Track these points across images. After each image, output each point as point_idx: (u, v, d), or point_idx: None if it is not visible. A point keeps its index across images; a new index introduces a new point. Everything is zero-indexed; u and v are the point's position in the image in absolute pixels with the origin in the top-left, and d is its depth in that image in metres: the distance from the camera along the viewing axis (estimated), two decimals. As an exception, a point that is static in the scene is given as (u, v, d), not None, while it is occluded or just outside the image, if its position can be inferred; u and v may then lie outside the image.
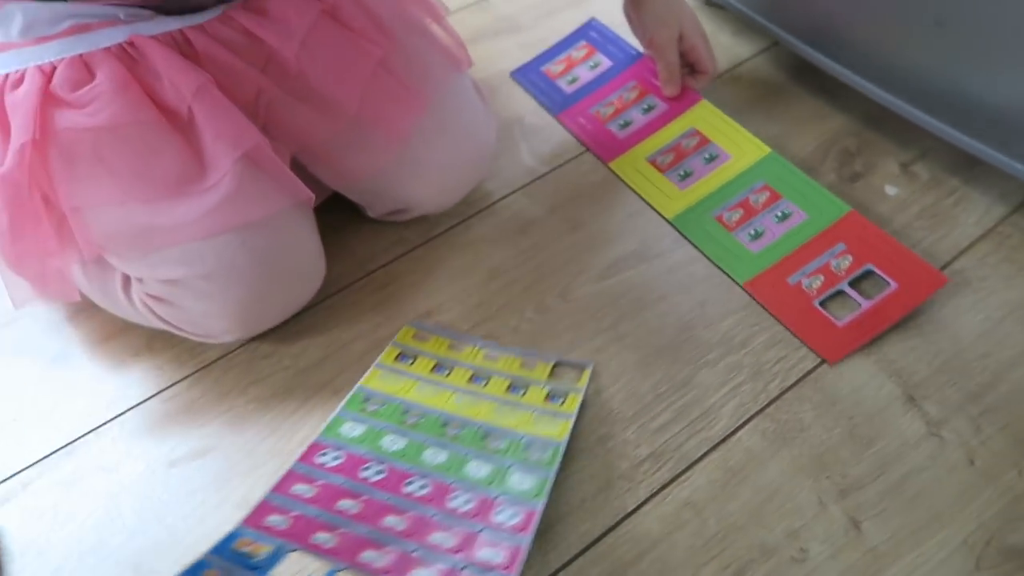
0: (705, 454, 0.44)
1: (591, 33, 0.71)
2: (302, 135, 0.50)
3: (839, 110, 0.62)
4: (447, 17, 0.57)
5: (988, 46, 0.49)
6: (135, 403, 0.49)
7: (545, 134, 0.63)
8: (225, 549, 0.40)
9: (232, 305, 0.47)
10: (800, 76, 0.65)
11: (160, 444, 0.47)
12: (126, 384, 0.50)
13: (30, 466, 0.46)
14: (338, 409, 0.47)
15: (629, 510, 0.42)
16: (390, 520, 0.41)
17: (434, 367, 0.49)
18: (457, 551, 0.39)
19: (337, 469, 0.44)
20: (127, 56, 0.44)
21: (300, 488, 0.43)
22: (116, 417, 0.48)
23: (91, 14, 0.44)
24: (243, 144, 0.45)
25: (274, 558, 0.40)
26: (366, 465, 0.44)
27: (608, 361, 0.48)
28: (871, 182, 0.57)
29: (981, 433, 0.43)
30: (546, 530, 0.41)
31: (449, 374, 0.49)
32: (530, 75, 0.70)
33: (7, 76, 0.43)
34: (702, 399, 0.46)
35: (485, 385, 0.48)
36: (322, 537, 0.41)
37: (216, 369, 0.50)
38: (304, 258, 0.50)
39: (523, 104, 0.67)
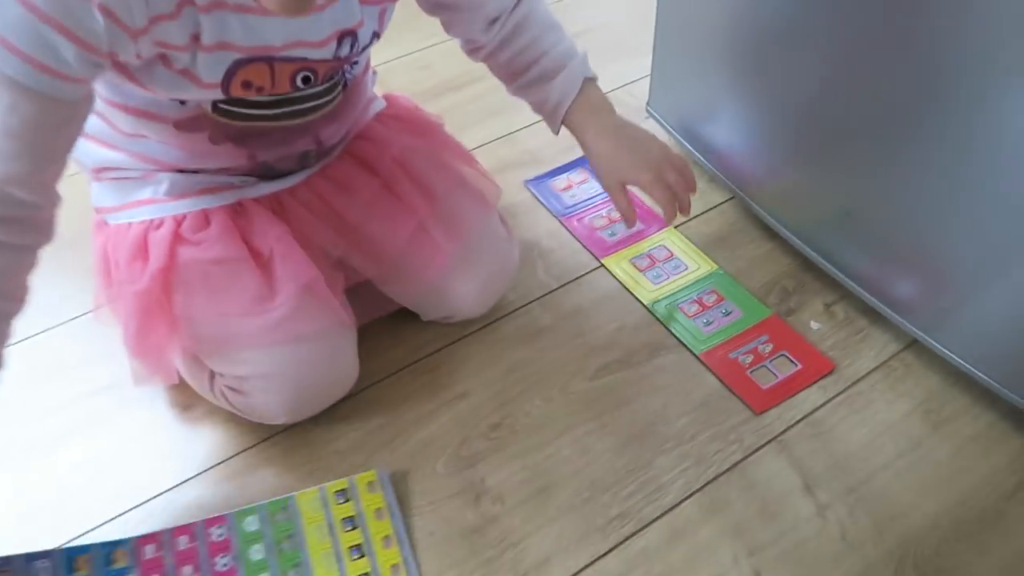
0: (658, 517, 0.61)
1: (586, 164, 0.91)
2: (359, 269, 0.68)
3: (785, 255, 0.81)
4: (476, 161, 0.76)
5: (885, 235, 0.68)
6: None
7: (557, 256, 0.82)
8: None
9: (282, 399, 0.64)
10: (758, 224, 0.83)
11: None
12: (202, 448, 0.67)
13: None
14: (259, 503, 0.60)
15: (601, 553, 0.60)
16: None
17: (345, 519, 0.60)
18: None
19: (211, 544, 0.58)
20: (234, 211, 0.63)
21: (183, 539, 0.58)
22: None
23: (215, 181, 0.63)
24: (302, 278, 0.62)
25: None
26: (224, 554, 0.57)
27: (594, 442, 0.66)
28: (801, 317, 0.75)
29: (853, 516, 0.61)
30: (541, 563, 0.59)
31: (350, 530, 0.59)
32: (540, 186, 0.89)
33: (152, 221, 0.62)
34: (659, 477, 0.64)
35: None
36: None
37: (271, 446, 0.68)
38: (341, 366, 0.67)
39: (540, 227, 0.85)
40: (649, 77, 0.91)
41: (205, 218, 0.62)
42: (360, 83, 0.68)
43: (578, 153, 0.91)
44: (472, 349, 0.73)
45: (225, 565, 0.57)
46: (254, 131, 0.61)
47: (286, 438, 0.67)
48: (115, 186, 0.64)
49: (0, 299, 0.51)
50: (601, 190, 0.87)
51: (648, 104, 0.92)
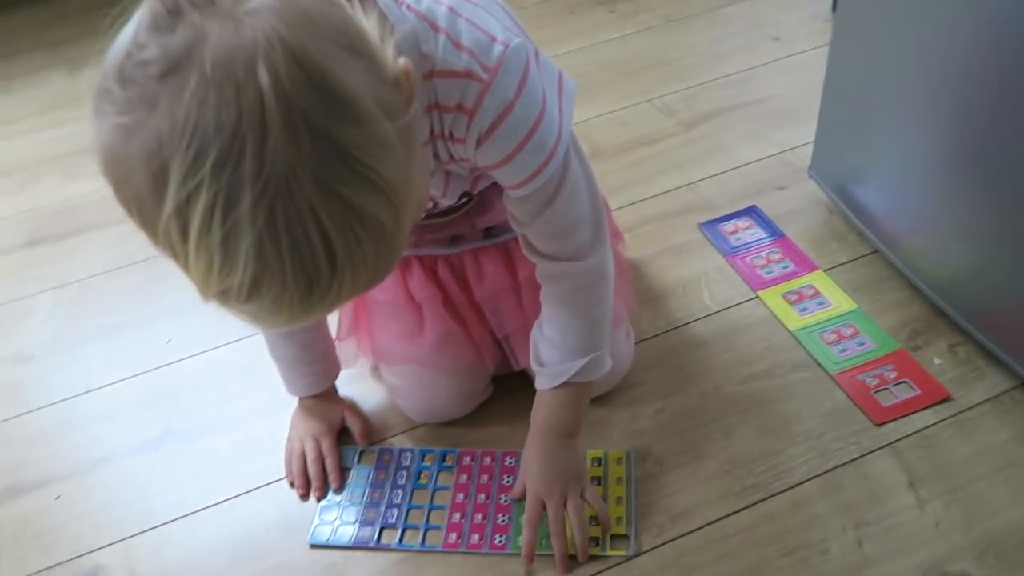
0: (783, 491, 0.79)
1: (752, 213, 1.10)
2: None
3: (918, 301, 0.95)
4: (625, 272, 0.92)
5: (1011, 288, 0.82)
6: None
7: (720, 286, 1.01)
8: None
9: (414, 408, 0.88)
10: (897, 274, 0.98)
11: (485, 428, 0.88)
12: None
13: (418, 426, 0.88)
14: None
15: (734, 510, 0.78)
16: None
17: (593, 477, 0.80)
18: None
19: (504, 467, 0.83)
20: (405, 263, 0.84)
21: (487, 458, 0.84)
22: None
23: None
24: (440, 329, 0.83)
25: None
26: (509, 475, 0.82)
27: (737, 430, 0.84)
28: (926, 353, 0.90)
29: (948, 511, 0.75)
30: (687, 511, 0.78)
31: (596, 486, 0.80)
32: (711, 228, 1.08)
33: None
34: (787, 462, 0.81)
35: None
36: None
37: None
38: (465, 396, 0.86)
39: (708, 262, 1.04)
40: (813, 144, 1.08)
41: None
42: (495, 190, 0.78)
43: (746, 203, 1.11)
44: (645, 352, 0.93)
45: (507, 480, 0.82)
46: (414, 228, 0.78)
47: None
48: None
49: (306, 331, 0.82)
50: (763, 236, 1.06)
51: (810, 167, 1.09)
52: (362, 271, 0.44)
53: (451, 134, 0.60)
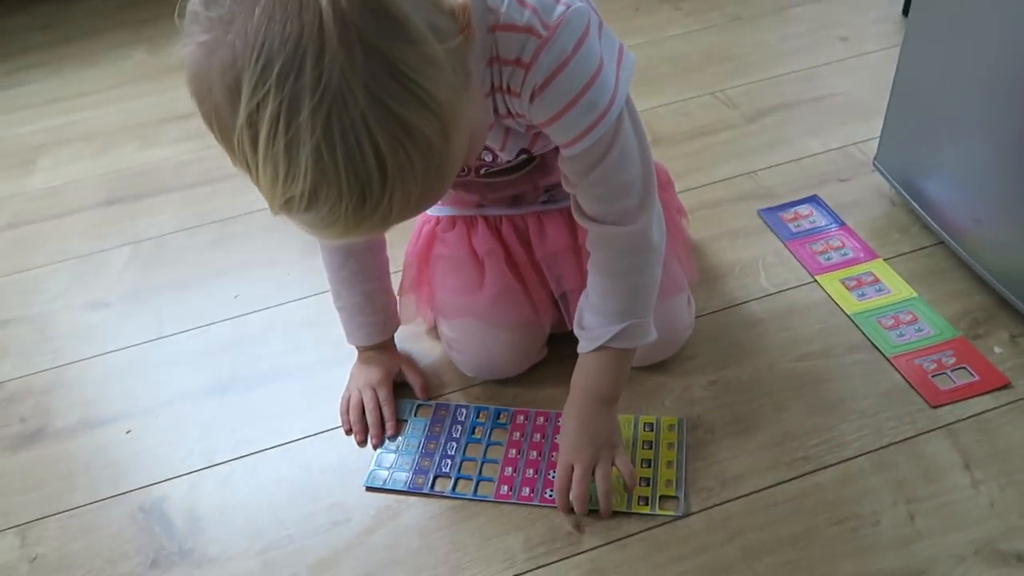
0: (835, 463, 0.79)
1: (814, 202, 1.10)
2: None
3: (981, 292, 0.94)
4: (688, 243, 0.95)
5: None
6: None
7: (778, 269, 1.01)
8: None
9: (468, 362, 0.89)
10: (960, 265, 0.98)
11: (539, 390, 0.90)
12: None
13: (474, 384, 0.91)
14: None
15: (784, 479, 0.78)
16: None
17: (645, 441, 0.83)
18: None
19: (557, 426, 0.84)
20: (468, 222, 0.88)
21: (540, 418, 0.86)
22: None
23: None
24: (499, 284, 0.85)
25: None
26: None
27: (790, 405, 0.85)
28: (986, 342, 0.89)
29: (1004, 492, 0.75)
30: (737, 478, 0.78)
31: (647, 449, 0.82)
32: (771, 215, 1.09)
33: (429, 217, 0.91)
34: (840, 437, 0.81)
35: None
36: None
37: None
38: (519, 351, 0.87)
39: (767, 247, 1.05)
40: (878, 138, 1.08)
41: (452, 223, 0.89)
42: (555, 154, 0.75)
43: (807, 192, 1.11)
44: (701, 326, 0.94)
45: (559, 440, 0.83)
46: (476, 185, 0.84)
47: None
48: None
49: (372, 280, 0.86)
50: (824, 224, 1.06)
51: (875, 159, 1.09)
52: (412, 186, 0.48)
53: (508, 87, 0.62)
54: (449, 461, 0.83)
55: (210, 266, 1.15)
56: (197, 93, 0.47)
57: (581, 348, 0.78)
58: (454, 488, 0.81)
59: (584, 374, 0.78)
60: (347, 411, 0.89)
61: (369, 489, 0.82)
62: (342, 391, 0.91)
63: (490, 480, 0.81)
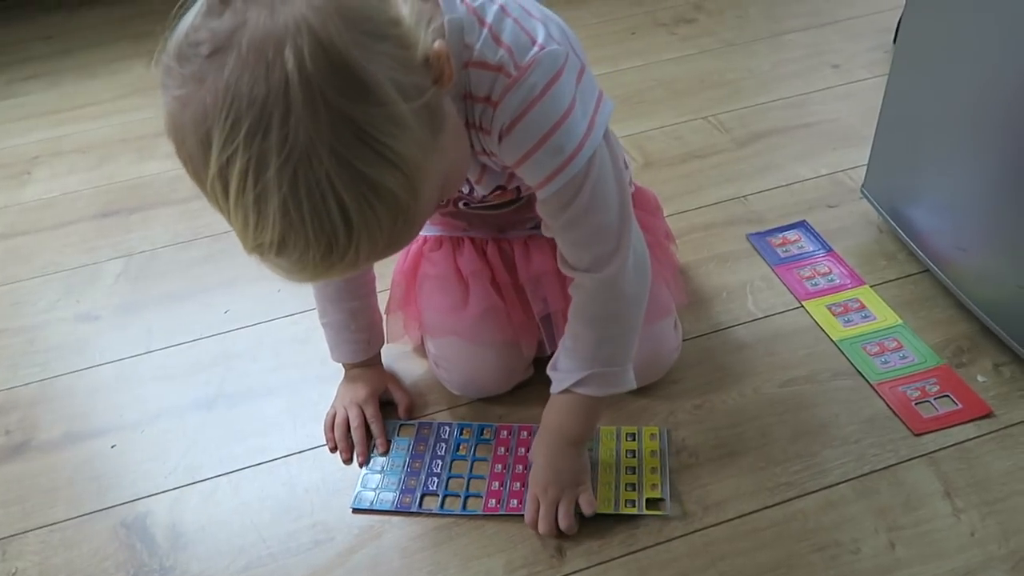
0: (817, 490, 0.79)
1: (803, 227, 1.11)
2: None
3: (965, 320, 0.95)
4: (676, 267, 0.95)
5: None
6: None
7: (765, 294, 1.02)
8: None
9: (453, 380, 0.89)
10: (946, 293, 0.98)
11: (525, 411, 0.90)
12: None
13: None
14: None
15: (766, 505, 0.78)
16: None
17: (628, 450, 0.84)
18: None
19: None
20: (455, 242, 0.89)
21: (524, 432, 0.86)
22: (503, 392, 0.92)
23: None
24: (483, 304, 0.86)
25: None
26: None
27: (773, 430, 0.85)
28: (970, 370, 0.90)
29: (984, 522, 0.75)
30: (720, 503, 0.79)
31: (631, 458, 0.84)
32: (759, 240, 1.10)
33: (421, 238, 0.91)
34: (823, 463, 0.81)
35: None
36: None
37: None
38: (503, 370, 0.88)
39: (755, 271, 1.06)
40: (866, 165, 1.09)
41: (439, 242, 0.90)
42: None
43: (795, 218, 1.12)
44: (687, 351, 0.94)
45: None
46: (463, 214, 0.85)
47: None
48: None
49: (357, 298, 0.87)
50: (811, 249, 1.07)
51: (863, 187, 1.10)
52: (378, 237, 0.49)
53: (480, 124, 0.63)
54: (436, 479, 0.84)
55: (201, 280, 1.15)
56: (174, 140, 0.50)
57: (552, 388, 0.78)
58: (442, 505, 0.81)
59: (554, 414, 0.79)
60: (331, 428, 0.89)
61: (356, 511, 0.82)
62: (326, 408, 0.92)
63: (478, 495, 0.82)
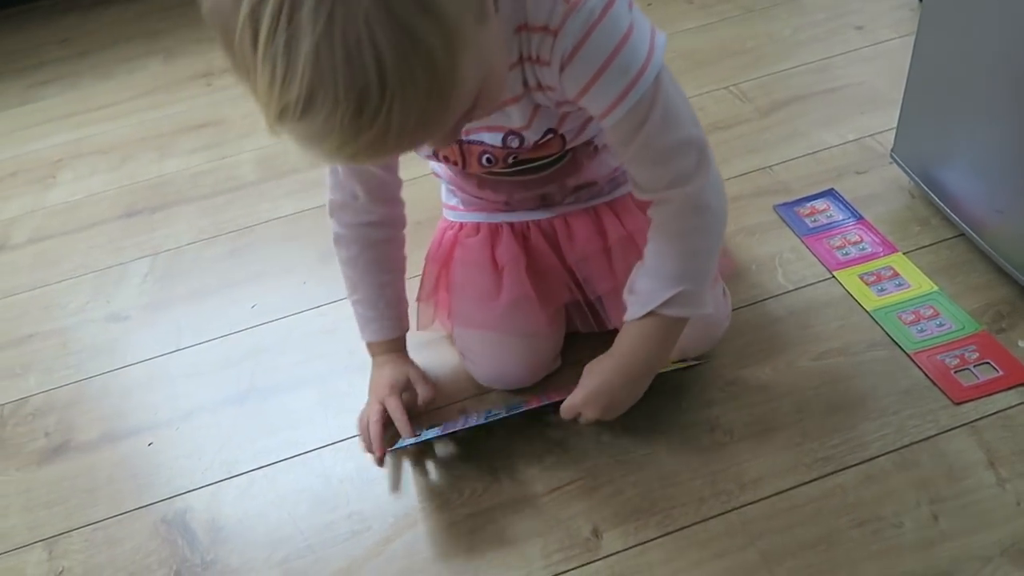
0: (856, 464, 0.78)
1: (831, 196, 1.08)
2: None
3: (1004, 285, 0.93)
4: None
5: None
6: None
7: (795, 266, 1.00)
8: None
9: (482, 372, 0.89)
10: (982, 258, 0.96)
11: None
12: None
13: (490, 390, 0.91)
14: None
15: (804, 481, 0.77)
16: None
17: None
18: None
19: None
20: (493, 229, 0.87)
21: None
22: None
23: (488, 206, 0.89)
24: (516, 292, 0.84)
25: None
26: None
27: (810, 404, 0.84)
28: (1010, 335, 0.87)
29: (1030, 490, 0.74)
30: (756, 480, 0.78)
31: None
32: (787, 211, 1.08)
33: (451, 222, 0.90)
34: (861, 436, 0.80)
35: None
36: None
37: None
38: (533, 362, 0.87)
39: (784, 243, 1.04)
40: (895, 129, 1.07)
41: (476, 228, 0.89)
42: (590, 147, 0.81)
43: (823, 186, 1.10)
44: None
45: None
46: (504, 184, 0.83)
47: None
48: (445, 191, 0.93)
49: (388, 272, 0.85)
50: (841, 218, 1.05)
51: (892, 151, 1.08)
52: (412, 105, 0.45)
53: (538, 57, 0.62)
54: (475, 418, 0.84)
55: (227, 276, 1.16)
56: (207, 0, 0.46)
57: (629, 315, 0.73)
58: (486, 418, 0.81)
59: (630, 340, 0.74)
60: (365, 428, 0.85)
61: (394, 451, 0.83)
62: (358, 399, 0.92)
63: (517, 407, 0.82)
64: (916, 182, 1.04)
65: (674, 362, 0.81)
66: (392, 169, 0.83)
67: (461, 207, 0.92)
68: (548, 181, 0.83)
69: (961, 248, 0.98)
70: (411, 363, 0.91)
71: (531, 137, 0.73)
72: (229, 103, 1.59)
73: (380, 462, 0.84)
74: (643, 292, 0.72)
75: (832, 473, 0.78)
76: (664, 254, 0.71)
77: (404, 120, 0.46)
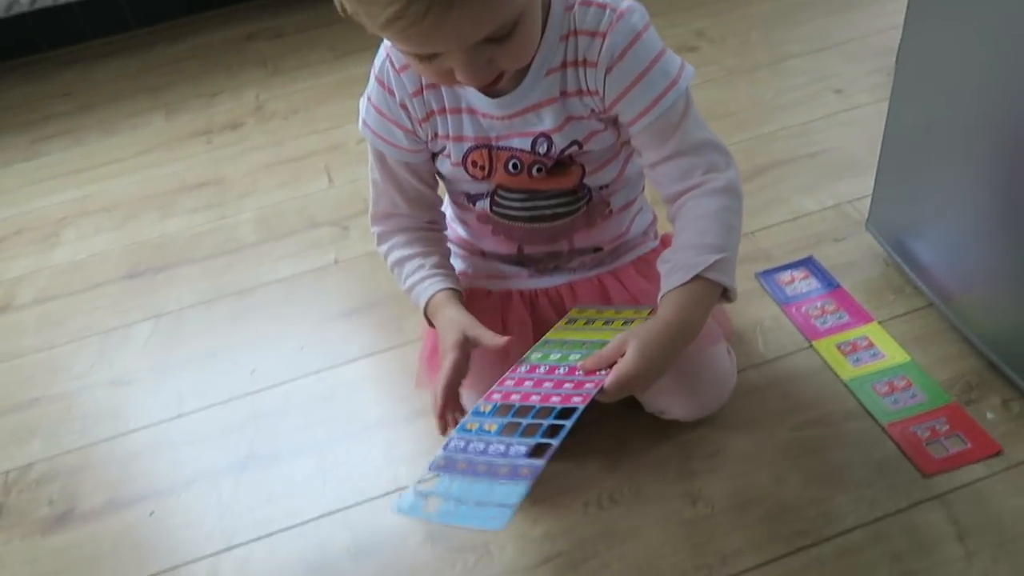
0: (831, 537, 0.81)
1: (810, 264, 1.13)
2: None
3: (972, 356, 0.97)
4: None
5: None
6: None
7: (775, 334, 1.04)
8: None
9: None
10: (952, 328, 1.00)
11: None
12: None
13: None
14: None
15: (782, 554, 0.81)
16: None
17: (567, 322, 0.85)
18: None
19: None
20: (503, 295, 0.92)
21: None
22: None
23: (498, 269, 0.94)
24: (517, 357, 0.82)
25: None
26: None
27: (788, 476, 0.87)
28: (979, 407, 0.91)
29: (996, 563, 0.77)
30: (736, 552, 0.81)
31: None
32: (767, 278, 1.12)
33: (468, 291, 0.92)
34: (836, 509, 0.83)
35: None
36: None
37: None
38: None
39: (764, 311, 1.08)
40: (871, 196, 1.11)
41: (487, 293, 0.92)
42: (605, 206, 0.87)
43: (803, 253, 1.14)
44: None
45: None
46: (519, 230, 0.89)
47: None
48: (453, 257, 0.96)
49: (434, 245, 0.90)
50: (819, 287, 1.09)
51: (867, 220, 1.12)
52: None
53: (585, 59, 0.73)
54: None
55: (227, 340, 1.19)
56: None
57: (673, 282, 0.74)
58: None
59: (676, 306, 0.74)
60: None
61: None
62: (356, 468, 0.95)
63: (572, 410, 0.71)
64: (889, 252, 1.08)
65: None
66: (430, 184, 0.89)
67: (470, 271, 0.96)
68: (559, 234, 0.88)
69: (932, 317, 1.02)
70: (467, 318, 0.83)
71: (559, 143, 0.79)
72: (229, 161, 1.64)
73: (443, 430, 0.79)
74: (686, 260, 0.74)
75: (809, 546, 0.81)
76: (707, 229, 0.75)
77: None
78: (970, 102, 0.87)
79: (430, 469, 0.69)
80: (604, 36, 0.72)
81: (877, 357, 0.98)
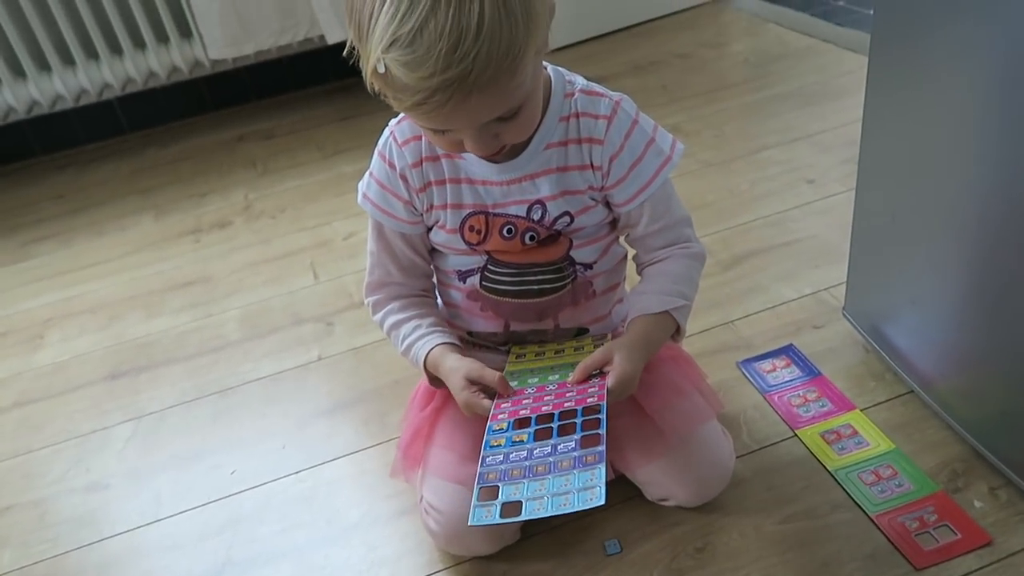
0: (824, 636, 0.79)
1: (790, 352, 1.13)
2: None
3: (958, 443, 0.96)
4: (705, 378, 1.00)
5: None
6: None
7: (759, 424, 1.04)
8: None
9: (442, 532, 0.86)
10: (935, 414, 1.00)
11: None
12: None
13: (464, 561, 0.92)
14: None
15: (775, 656, 0.78)
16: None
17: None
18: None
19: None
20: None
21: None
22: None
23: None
24: None
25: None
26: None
27: (776, 572, 0.85)
28: (966, 495, 0.90)
29: (994, 662, 0.75)
30: (728, 655, 0.78)
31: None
32: (749, 367, 1.12)
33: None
34: (828, 606, 0.82)
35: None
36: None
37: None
38: (492, 531, 0.85)
39: (747, 400, 1.08)
40: (846, 284, 1.13)
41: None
42: (589, 286, 0.90)
43: (783, 341, 1.15)
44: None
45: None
46: (506, 306, 0.90)
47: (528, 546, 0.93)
48: None
49: (427, 308, 0.93)
50: (800, 375, 1.09)
51: (843, 308, 1.13)
52: (493, 56, 0.64)
53: (590, 138, 0.82)
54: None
55: (208, 441, 1.18)
56: None
57: (644, 308, 0.87)
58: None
59: (645, 328, 0.86)
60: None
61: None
62: (333, 572, 0.93)
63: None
64: (866, 339, 1.09)
65: None
66: (423, 256, 0.92)
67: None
68: (545, 310, 0.91)
69: (915, 404, 1.02)
70: (477, 362, 0.86)
71: (552, 211, 0.85)
72: (217, 259, 1.65)
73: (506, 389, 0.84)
74: (659, 296, 0.87)
75: (801, 646, 0.79)
76: (680, 277, 0.88)
77: (484, 66, 0.64)
78: (931, 191, 0.90)
79: (479, 485, 0.75)
80: (609, 119, 0.81)
81: (862, 445, 0.98)
